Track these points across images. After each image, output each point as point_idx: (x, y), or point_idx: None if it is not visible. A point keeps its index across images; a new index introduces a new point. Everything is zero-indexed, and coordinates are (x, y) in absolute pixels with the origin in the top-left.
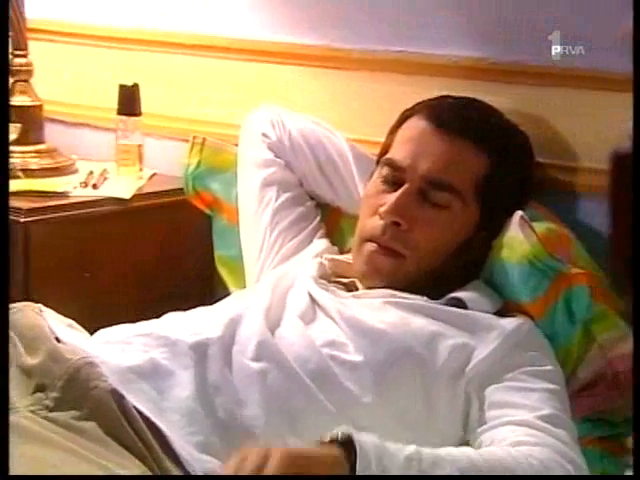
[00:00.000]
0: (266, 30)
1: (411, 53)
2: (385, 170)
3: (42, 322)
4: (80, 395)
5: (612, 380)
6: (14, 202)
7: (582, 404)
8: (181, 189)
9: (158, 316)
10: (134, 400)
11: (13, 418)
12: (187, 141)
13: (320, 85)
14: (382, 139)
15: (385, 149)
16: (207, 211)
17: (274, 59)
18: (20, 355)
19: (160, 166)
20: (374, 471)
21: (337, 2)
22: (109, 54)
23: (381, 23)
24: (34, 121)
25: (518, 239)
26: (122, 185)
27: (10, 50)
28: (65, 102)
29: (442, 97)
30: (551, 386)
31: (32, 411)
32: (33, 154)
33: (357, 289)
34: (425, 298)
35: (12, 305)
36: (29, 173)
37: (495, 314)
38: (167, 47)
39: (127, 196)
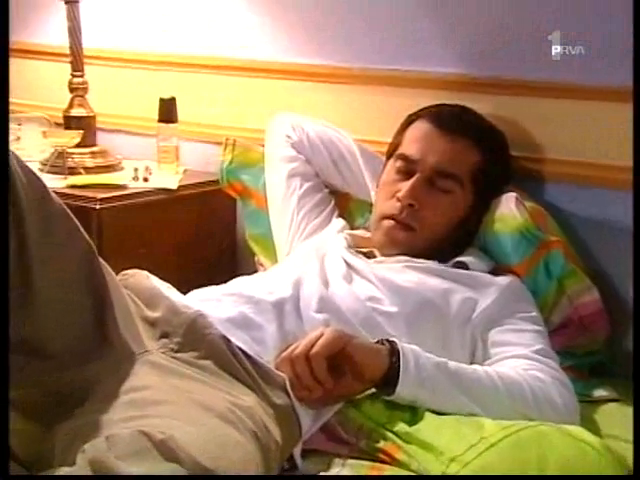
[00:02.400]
0: (280, 53)
1: (402, 70)
2: (399, 163)
3: (153, 284)
4: (197, 339)
5: (577, 322)
6: (87, 193)
7: (555, 341)
8: (211, 181)
9: (199, 284)
10: (238, 343)
11: (151, 357)
12: (212, 143)
13: (326, 97)
14: (379, 139)
15: (395, 146)
16: (238, 198)
17: (288, 76)
18: (142, 310)
19: (189, 163)
20: (412, 368)
21: (339, 29)
22: (150, 74)
23: (377, 45)
24: (89, 128)
25: (511, 215)
26: (167, 178)
27: (70, 72)
28: (109, 113)
29: (440, 105)
30: (537, 327)
31: (162, 352)
32: (89, 155)
33: (375, 257)
34: (436, 262)
35: (124, 272)
36: (87, 170)
37: (490, 273)
38: (197, 68)
39: (174, 187)
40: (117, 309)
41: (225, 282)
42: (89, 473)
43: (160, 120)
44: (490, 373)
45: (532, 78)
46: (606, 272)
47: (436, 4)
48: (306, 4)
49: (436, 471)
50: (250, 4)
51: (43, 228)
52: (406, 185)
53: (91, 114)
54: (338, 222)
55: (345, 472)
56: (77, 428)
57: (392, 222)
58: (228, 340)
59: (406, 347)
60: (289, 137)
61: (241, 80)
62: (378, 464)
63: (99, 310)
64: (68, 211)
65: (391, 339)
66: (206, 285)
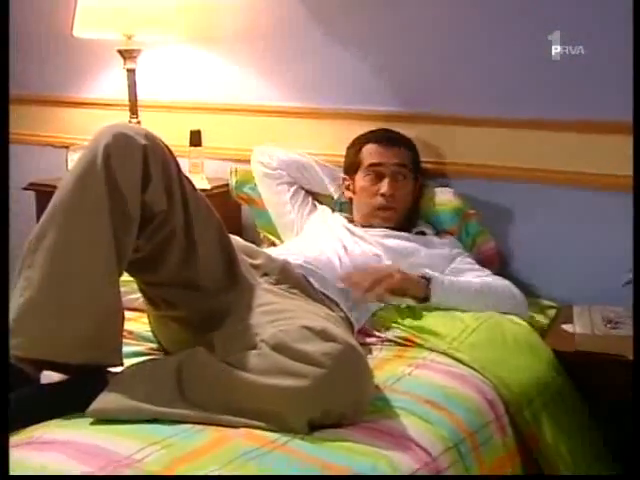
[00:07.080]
0: (272, 99)
1: (354, 109)
2: (370, 170)
3: (246, 243)
4: (288, 277)
5: (483, 261)
6: None
7: None
8: (223, 185)
9: None
10: (312, 281)
11: (264, 286)
12: (222, 160)
13: (304, 127)
14: (340, 153)
15: (357, 165)
16: (244, 204)
17: (277, 115)
18: (247, 259)
19: (207, 173)
20: (445, 284)
21: (313, 82)
22: (182, 115)
23: (337, 92)
24: None
25: (448, 200)
26: (199, 182)
27: (129, 115)
28: None
29: (377, 130)
30: (476, 265)
31: (268, 284)
32: None
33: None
34: (405, 232)
35: None
36: None
37: (435, 236)
38: (215, 110)
39: (208, 187)
40: (239, 258)
41: None
42: (270, 352)
43: (191, 145)
44: (482, 284)
45: (438, 112)
46: (497, 230)
47: (376, 65)
48: (292, 68)
49: (443, 347)
50: (250, 68)
51: (196, 207)
52: (384, 183)
53: None
54: (323, 207)
55: (383, 354)
56: (232, 332)
57: (384, 211)
58: (307, 278)
59: (436, 277)
60: (268, 162)
61: (245, 118)
62: (403, 347)
63: (229, 259)
64: (204, 197)
65: (427, 273)
66: None
